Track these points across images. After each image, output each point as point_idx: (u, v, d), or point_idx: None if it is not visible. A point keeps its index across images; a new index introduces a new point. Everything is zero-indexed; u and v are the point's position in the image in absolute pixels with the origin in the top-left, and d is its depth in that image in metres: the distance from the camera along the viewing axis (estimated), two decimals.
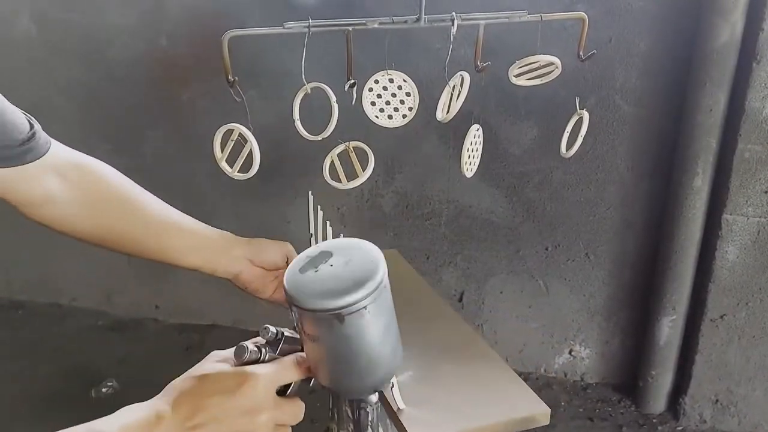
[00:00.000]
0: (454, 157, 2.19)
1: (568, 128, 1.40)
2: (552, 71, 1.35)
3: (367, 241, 0.69)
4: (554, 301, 2.31)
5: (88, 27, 2.39)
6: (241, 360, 0.65)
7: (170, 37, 2.33)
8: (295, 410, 0.68)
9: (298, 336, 0.69)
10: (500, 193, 2.22)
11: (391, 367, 0.70)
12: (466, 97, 1.33)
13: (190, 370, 0.67)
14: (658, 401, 2.21)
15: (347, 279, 0.63)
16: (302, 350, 0.69)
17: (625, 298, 2.24)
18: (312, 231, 1.29)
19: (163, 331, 2.65)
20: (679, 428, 2.15)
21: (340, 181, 1.33)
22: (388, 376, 0.71)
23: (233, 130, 1.31)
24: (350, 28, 1.25)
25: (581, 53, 1.33)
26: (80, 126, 2.48)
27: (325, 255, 0.67)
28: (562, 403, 2.27)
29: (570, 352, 2.37)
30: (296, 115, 1.31)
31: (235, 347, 0.66)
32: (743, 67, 1.79)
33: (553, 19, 1.32)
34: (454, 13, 1.25)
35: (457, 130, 2.00)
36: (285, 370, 0.67)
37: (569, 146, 1.41)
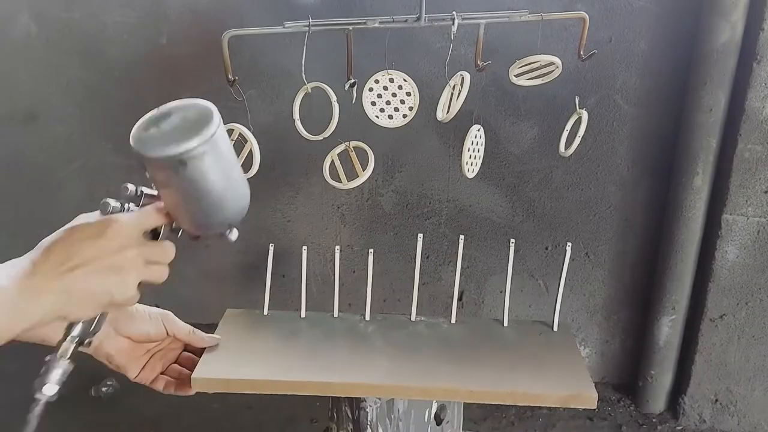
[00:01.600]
0: (454, 157, 2.19)
1: (567, 127, 1.40)
2: (552, 71, 1.35)
3: (201, 99, 0.76)
4: (554, 300, 2.31)
5: (88, 27, 2.39)
6: (105, 212, 0.73)
7: (170, 37, 2.33)
8: (165, 250, 0.75)
9: (156, 192, 0.78)
10: (500, 192, 2.22)
11: (239, 203, 0.79)
12: (466, 97, 1.33)
13: (60, 228, 0.71)
14: (657, 401, 2.21)
15: (185, 129, 0.71)
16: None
17: (624, 297, 2.25)
18: None
19: None
20: (679, 428, 2.15)
21: (340, 180, 1.33)
22: (239, 211, 0.80)
23: (233, 129, 1.31)
24: (350, 28, 1.25)
25: (582, 53, 1.33)
26: (80, 126, 2.47)
27: (165, 115, 0.75)
28: None
29: None
30: (296, 115, 1.31)
31: (99, 205, 0.74)
32: (743, 66, 1.79)
33: (553, 18, 1.32)
34: (454, 12, 1.25)
35: (457, 129, 2.00)
36: (145, 215, 0.74)
37: (568, 145, 1.41)
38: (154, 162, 0.71)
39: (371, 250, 1.15)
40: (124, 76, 2.41)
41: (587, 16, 1.33)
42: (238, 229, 0.82)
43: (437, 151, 2.21)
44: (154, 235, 0.77)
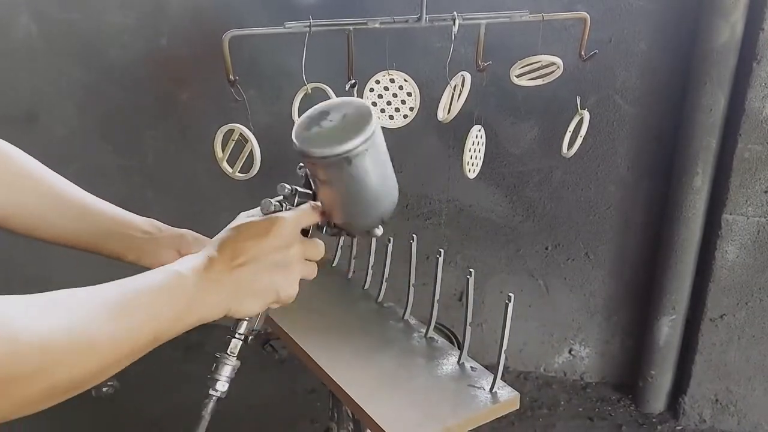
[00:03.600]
0: (454, 157, 2.19)
1: (570, 128, 1.40)
2: (553, 71, 1.35)
3: (354, 97, 0.78)
4: (554, 300, 2.31)
5: (88, 27, 2.39)
6: (267, 211, 0.77)
7: (170, 37, 2.33)
8: (319, 247, 0.79)
9: (310, 191, 0.81)
10: (500, 192, 2.22)
11: (391, 199, 0.81)
12: (466, 97, 1.33)
13: (226, 227, 0.77)
14: (657, 401, 2.21)
15: (347, 128, 0.73)
16: (314, 200, 0.81)
17: (624, 297, 2.25)
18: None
19: None
20: (679, 428, 2.15)
21: None
22: (391, 207, 0.81)
23: (234, 130, 1.30)
24: (351, 28, 1.25)
25: (583, 53, 1.33)
26: (80, 126, 2.47)
27: (323, 114, 0.77)
28: (562, 403, 2.27)
29: (570, 352, 2.38)
30: (296, 116, 1.31)
31: (261, 202, 0.79)
32: (743, 66, 1.79)
33: (554, 19, 1.32)
34: (455, 12, 1.25)
35: (457, 129, 2.00)
36: (305, 213, 0.78)
37: (570, 146, 1.41)
38: (321, 161, 0.73)
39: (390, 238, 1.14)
40: (124, 77, 2.41)
41: (588, 16, 1.33)
42: (384, 225, 0.83)
43: (437, 152, 2.21)
44: (304, 232, 0.79)
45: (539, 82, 1.37)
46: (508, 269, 2.31)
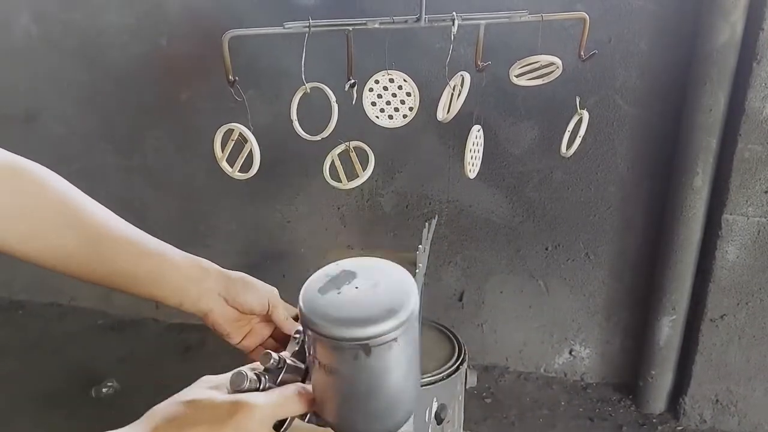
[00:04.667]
0: (454, 157, 2.19)
1: (569, 128, 1.40)
2: (553, 71, 1.35)
3: (394, 263, 0.61)
4: (554, 300, 2.31)
5: (88, 27, 2.39)
6: (237, 388, 0.59)
7: (170, 37, 2.33)
8: None
9: (302, 365, 0.63)
10: (500, 193, 2.22)
11: (408, 409, 0.62)
12: (466, 97, 1.33)
13: (177, 395, 0.60)
14: (658, 401, 2.21)
15: (376, 305, 0.56)
16: (304, 381, 0.62)
17: (625, 298, 2.24)
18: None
19: (163, 331, 2.65)
20: (679, 428, 2.15)
21: (340, 180, 1.33)
22: (404, 419, 0.63)
23: (233, 129, 1.31)
24: (350, 28, 1.25)
25: (582, 53, 1.33)
26: (80, 126, 2.48)
27: (349, 276, 0.60)
28: (562, 403, 2.27)
29: (570, 352, 2.38)
30: (294, 116, 1.31)
31: (231, 373, 0.59)
32: (743, 66, 1.79)
33: (553, 19, 1.32)
34: (454, 12, 1.25)
35: (456, 129, 2.00)
36: (286, 401, 0.59)
37: (569, 145, 1.41)
38: (329, 341, 0.56)
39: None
40: (123, 77, 2.41)
41: (587, 16, 1.33)
42: None
43: (437, 152, 2.21)
44: (278, 423, 0.60)
45: (538, 82, 1.37)
46: (508, 269, 2.31)
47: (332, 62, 1.45)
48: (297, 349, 0.64)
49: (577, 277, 2.26)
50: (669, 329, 2.10)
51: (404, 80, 1.31)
